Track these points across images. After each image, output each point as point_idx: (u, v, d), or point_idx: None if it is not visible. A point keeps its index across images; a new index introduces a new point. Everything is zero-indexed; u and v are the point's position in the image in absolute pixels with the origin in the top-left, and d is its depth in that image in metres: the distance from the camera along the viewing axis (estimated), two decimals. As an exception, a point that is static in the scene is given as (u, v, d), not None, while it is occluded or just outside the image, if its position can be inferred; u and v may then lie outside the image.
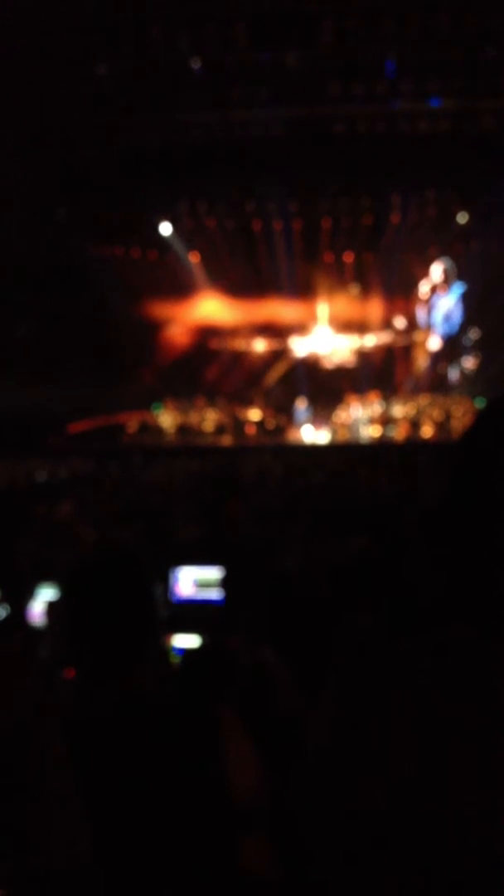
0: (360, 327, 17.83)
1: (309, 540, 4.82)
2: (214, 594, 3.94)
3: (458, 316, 17.44)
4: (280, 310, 17.52)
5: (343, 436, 15.78)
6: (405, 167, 14.02)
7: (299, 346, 17.98)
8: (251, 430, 16.34)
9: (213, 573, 3.97)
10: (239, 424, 16.44)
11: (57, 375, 14.14)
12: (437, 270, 17.37)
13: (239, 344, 18.25)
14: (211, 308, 17.65)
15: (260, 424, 16.45)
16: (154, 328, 17.43)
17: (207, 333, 18.07)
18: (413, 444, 14.42)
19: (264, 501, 6.83)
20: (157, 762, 1.45)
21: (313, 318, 17.77)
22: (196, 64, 11.30)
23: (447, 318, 17.55)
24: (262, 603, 2.99)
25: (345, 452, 12.99)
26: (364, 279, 17.36)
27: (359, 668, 0.79)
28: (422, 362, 17.92)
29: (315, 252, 16.96)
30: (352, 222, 16.34)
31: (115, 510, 6.73)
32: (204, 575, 3.97)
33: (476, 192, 15.22)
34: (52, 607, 3.39)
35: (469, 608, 0.77)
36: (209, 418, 16.60)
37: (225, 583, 3.94)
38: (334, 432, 15.93)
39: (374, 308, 17.63)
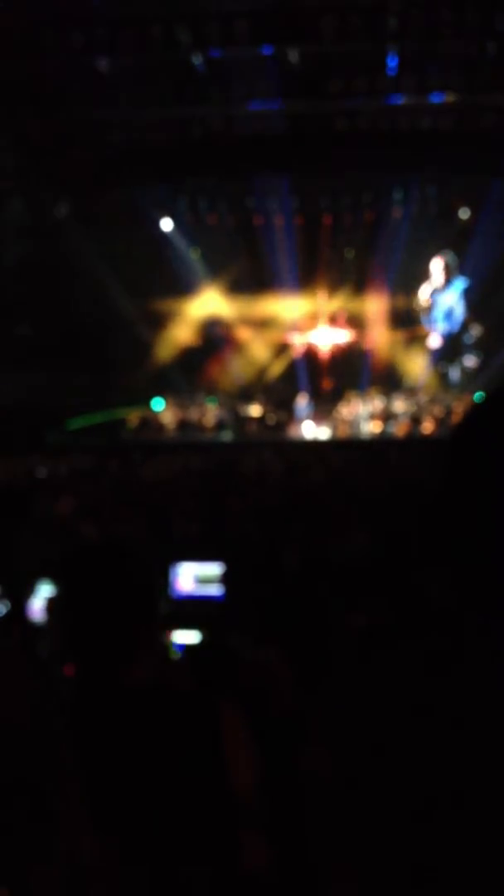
0: (361, 322, 17.80)
1: (309, 536, 4.82)
2: (214, 590, 3.93)
3: (459, 312, 17.40)
4: (281, 305, 17.50)
5: (344, 432, 15.78)
6: (406, 163, 14.01)
7: (300, 342, 17.96)
8: (252, 426, 16.33)
9: (214, 569, 3.97)
10: (239, 420, 16.44)
11: (58, 371, 14.15)
12: (438, 266, 17.33)
13: (240, 339, 18.24)
14: (212, 303, 17.64)
15: (260, 420, 16.45)
16: (155, 324, 17.42)
17: (208, 329, 18.05)
18: (414, 441, 14.42)
19: (264, 498, 6.83)
20: (156, 756, 1.45)
21: (314, 313, 17.75)
22: (197, 59, 11.27)
23: (448, 314, 17.52)
24: (262, 599, 2.99)
25: (345, 448, 12.98)
26: (365, 275, 17.34)
27: (360, 666, 0.79)
28: (422, 359, 17.89)
29: (316, 247, 16.94)
30: (353, 218, 16.33)
31: (116, 506, 6.72)
32: (204, 571, 3.96)
33: (478, 187, 15.22)
34: (52, 603, 3.39)
35: (471, 604, 0.76)
36: (209, 414, 16.60)
37: (225, 579, 3.94)
38: (335, 428, 15.93)
39: (375, 303, 17.61)
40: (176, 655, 2.94)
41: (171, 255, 17.20)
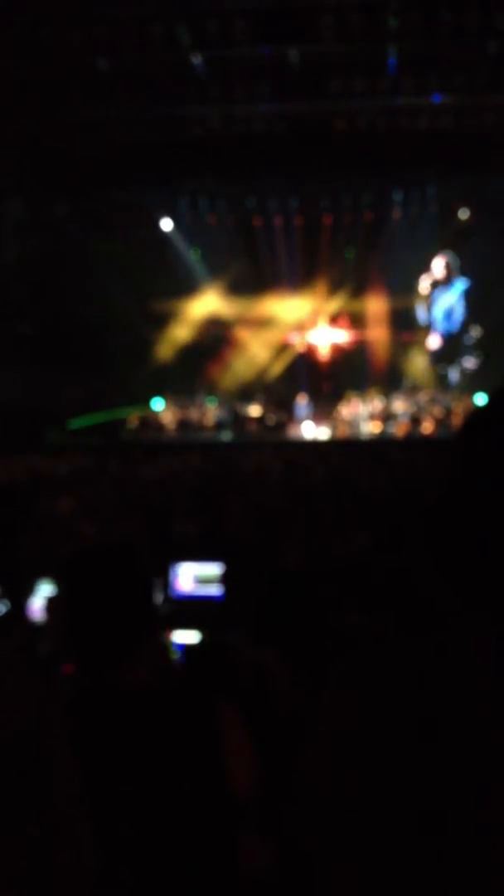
0: (361, 322, 17.80)
1: (309, 536, 4.83)
2: (214, 590, 3.94)
3: (459, 313, 17.39)
4: (281, 305, 17.50)
5: (344, 432, 15.78)
6: (406, 163, 14.00)
7: (300, 342, 17.96)
8: (252, 426, 16.33)
9: (213, 569, 3.97)
10: (239, 420, 16.43)
11: (58, 370, 14.14)
12: (438, 266, 17.32)
13: (240, 339, 18.23)
14: (212, 303, 17.64)
15: (260, 420, 16.44)
16: (155, 324, 17.42)
17: (208, 329, 18.05)
18: (414, 441, 14.42)
19: (264, 498, 6.83)
20: (156, 757, 1.45)
21: (314, 313, 17.75)
22: (197, 59, 11.26)
23: (448, 315, 17.50)
24: (262, 599, 2.99)
25: (345, 449, 12.98)
26: (365, 275, 17.34)
27: (360, 666, 0.79)
28: (422, 360, 17.88)
29: (316, 247, 16.94)
30: (353, 218, 16.34)
31: (116, 506, 6.73)
32: (204, 571, 3.97)
33: (478, 187, 15.22)
34: (51, 603, 3.39)
35: (472, 605, 0.76)
36: (209, 414, 16.60)
37: (225, 579, 3.94)
38: (335, 428, 15.93)
39: (375, 303, 17.60)
40: (176, 655, 2.94)
41: (171, 255, 17.19)
